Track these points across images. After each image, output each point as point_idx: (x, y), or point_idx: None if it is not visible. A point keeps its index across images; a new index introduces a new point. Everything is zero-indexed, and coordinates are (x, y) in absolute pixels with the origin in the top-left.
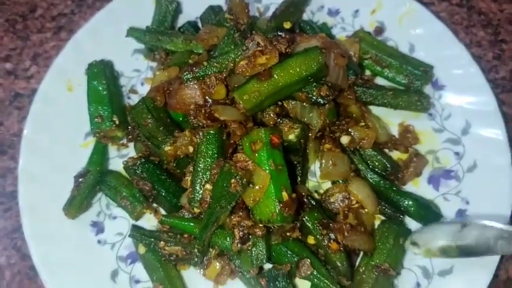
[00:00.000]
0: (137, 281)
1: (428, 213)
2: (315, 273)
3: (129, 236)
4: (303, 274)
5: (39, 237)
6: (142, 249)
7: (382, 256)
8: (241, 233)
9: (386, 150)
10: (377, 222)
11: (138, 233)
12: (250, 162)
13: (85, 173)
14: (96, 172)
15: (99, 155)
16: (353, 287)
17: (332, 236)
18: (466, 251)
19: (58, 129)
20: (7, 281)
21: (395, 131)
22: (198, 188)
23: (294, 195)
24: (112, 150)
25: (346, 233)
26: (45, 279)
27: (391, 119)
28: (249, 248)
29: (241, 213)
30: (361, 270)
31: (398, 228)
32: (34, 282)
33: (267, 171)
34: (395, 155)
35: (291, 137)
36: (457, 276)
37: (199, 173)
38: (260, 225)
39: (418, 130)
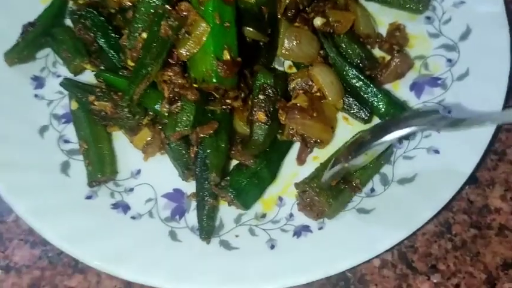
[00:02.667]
0: (66, 141)
1: None
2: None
3: (60, 84)
4: (200, 134)
5: None
6: (74, 105)
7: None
8: (171, 91)
9: (368, 48)
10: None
11: (69, 83)
12: (193, 11)
13: (34, 22)
14: (46, 23)
15: (55, 8)
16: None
17: (265, 106)
18: None
19: None
20: None
21: (384, 32)
22: (133, 36)
23: (238, 58)
24: None
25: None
26: None
27: (383, 18)
28: (177, 111)
29: (175, 69)
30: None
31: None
32: None
33: (210, 23)
34: (378, 54)
35: None
36: (417, 186)
37: (138, 19)
38: (194, 86)
39: (411, 33)
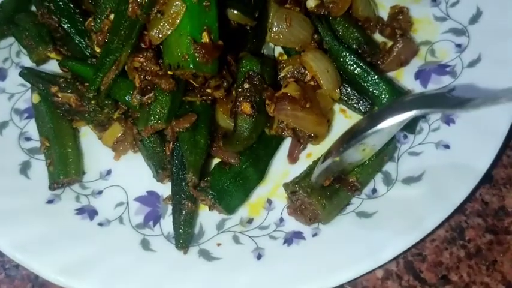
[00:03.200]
0: (28, 138)
1: None
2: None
3: (19, 74)
4: (176, 128)
5: None
6: (36, 98)
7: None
8: (142, 80)
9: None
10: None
11: (30, 73)
12: None
13: None
14: (9, 9)
15: None
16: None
17: (250, 96)
18: None
19: None
20: None
21: (385, 16)
22: (101, 18)
23: (220, 42)
24: None
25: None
26: None
27: (383, 1)
28: (149, 102)
29: (147, 54)
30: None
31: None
32: None
33: (186, 1)
34: (379, 40)
35: None
36: (425, 186)
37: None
38: (169, 74)
39: (415, 17)
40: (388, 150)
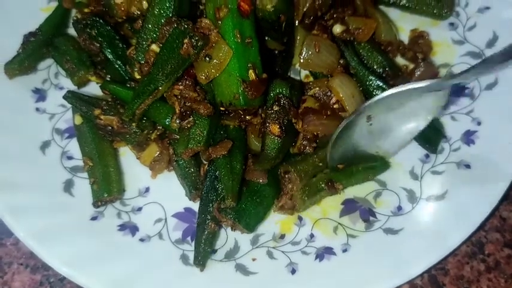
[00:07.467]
0: (70, 157)
1: (427, 129)
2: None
3: (63, 97)
4: (213, 155)
5: None
6: (78, 120)
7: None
8: (182, 106)
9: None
10: None
11: (73, 96)
12: (214, 31)
13: (36, 32)
14: (48, 33)
15: (57, 17)
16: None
17: (279, 118)
18: None
19: None
20: None
21: (406, 39)
22: (142, 47)
23: (264, 75)
24: None
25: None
26: None
27: (403, 25)
28: (189, 126)
29: (186, 82)
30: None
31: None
32: None
33: (231, 44)
34: (401, 63)
35: (268, 6)
36: (449, 204)
37: (147, 30)
38: (207, 100)
39: (435, 40)
40: (374, 168)
